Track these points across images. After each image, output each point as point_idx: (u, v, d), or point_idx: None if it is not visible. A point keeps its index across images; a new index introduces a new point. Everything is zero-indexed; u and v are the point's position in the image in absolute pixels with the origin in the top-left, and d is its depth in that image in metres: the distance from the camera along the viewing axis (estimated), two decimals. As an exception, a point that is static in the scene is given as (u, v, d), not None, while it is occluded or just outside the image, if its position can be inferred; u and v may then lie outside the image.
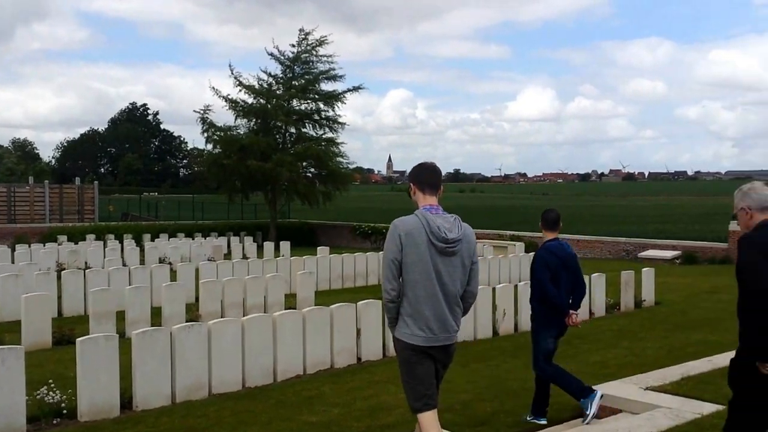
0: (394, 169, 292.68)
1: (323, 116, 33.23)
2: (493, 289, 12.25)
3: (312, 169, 33.63)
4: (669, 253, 24.12)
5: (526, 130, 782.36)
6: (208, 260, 22.31)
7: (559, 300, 6.52)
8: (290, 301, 14.69)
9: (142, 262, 21.30)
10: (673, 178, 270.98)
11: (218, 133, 32.22)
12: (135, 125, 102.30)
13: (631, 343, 11.17)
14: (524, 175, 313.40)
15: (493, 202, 74.68)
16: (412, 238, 4.39)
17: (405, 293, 4.45)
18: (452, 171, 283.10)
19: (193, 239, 28.29)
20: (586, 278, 13.80)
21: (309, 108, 33.16)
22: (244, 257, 23.61)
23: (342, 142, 33.43)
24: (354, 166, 34.77)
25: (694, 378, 7.28)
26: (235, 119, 33.01)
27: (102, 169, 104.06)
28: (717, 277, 19.58)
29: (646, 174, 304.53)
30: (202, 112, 32.42)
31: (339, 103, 32.87)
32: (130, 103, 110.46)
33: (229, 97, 32.39)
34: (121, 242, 26.08)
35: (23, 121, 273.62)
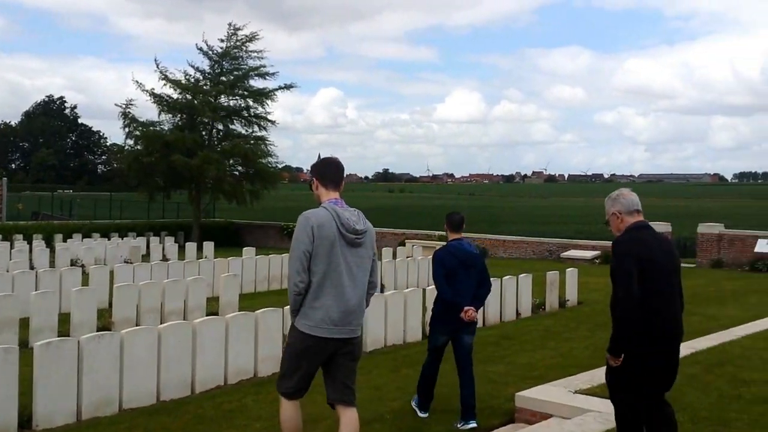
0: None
1: (252, 113, 32.54)
2: (423, 291, 12.01)
3: (239, 168, 32.85)
4: (589, 253, 24.51)
5: (454, 131, 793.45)
6: (125, 262, 21.40)
7: (449, 297, 6.65)
8: (212, 306, 14.14)
9: (53, 264, 20.28)
10: (590, 181, 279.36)
11: (140, 128, 31.08)
12: (51, 119, 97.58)
13: (557, 343, 11.13)
14: (452, 175, 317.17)
15: (422, 201, 74.97)
16: (323, 230, 4.43)
17: (312, 284, 4.46)
18: (381, 171, 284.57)
19: (109, 240, 27.19)
20: (513, 279, 13.87)
21: (237, 105, 32.43)
22: (164, 259, 22.78)
23: (271, 141, 32.86)
24: (283, 165, 34.16)
25: (624, 382, 7.15)
26: (159, 114, 32.01)
27: (13, 165, 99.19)
28: (637, 276, 19.89)
29: (566, 176, 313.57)
30: (123, 106, 31.29)
31: (269, 101, 32.29)
32: (47, 96, 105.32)
33: (153, 91, 31.37)
34: (30, 243, 24.68)
35: None
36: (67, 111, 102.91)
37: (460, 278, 6.69)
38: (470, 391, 6.70)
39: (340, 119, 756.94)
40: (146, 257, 23.80)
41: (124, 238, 28.36)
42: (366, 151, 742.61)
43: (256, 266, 17.95)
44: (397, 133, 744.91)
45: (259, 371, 8.98)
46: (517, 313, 13.71)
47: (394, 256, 22.10)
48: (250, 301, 15.60)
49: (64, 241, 26.92)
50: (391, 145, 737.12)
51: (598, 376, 7.35)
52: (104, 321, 12.42)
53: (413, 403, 7.00)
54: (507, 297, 13.46)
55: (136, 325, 12.31)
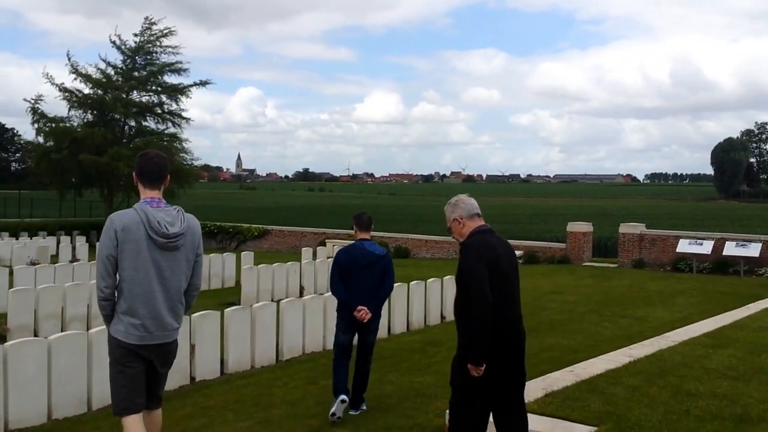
0: (244, 167, 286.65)
1: (166, 110, 31.39)
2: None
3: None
4: (514, 253, 24.35)
5: (374, 131, 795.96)
6: (31, 264, 20.14)
7: (339, 296, 6.85)
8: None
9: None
10: (507, 181, 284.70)
11: (49, 124, 29.47)
12: None
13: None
14: (372, 175, 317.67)
15: (343, 201, 74.31)
16: (129, 233, 4.20)
17: (121, 290, 4.27)
18: (302, 170, 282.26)
19: (16, 239, 25.63)
20: (437, 282, 13.48)
21: (151, 101, 31.18)
22: (74, 260, 21.52)
23: (186, 138, 31.74)
24: (199, 162, 32.97)
25: (558, 394, 6.78)
26: (69, 110, 30.49)
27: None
28: (558, 276, 19.87)
29: (484, 176, 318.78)
30: (33, 101, 29.59)
31: (183, 98, 31.28)
32: None
33: (63, 85, 29.79)
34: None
35: None
36: None
37: (356, 278, 6.79)
38: (362, 385, 6.98)
39: (260, 118, 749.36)
40: (56, 258, 22.43)
41: (33, 238, 26.84)
42: (286, 151, 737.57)
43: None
44: (317, 132, 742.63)
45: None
46: (442, 317, 13.33)
47: (315, 256, 21.46)
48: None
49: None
50: (312, 145, 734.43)
51: (533, 388, 6.97)
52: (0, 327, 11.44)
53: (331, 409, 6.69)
54: (431, 300, 13.05)
55: (34, 334, 11.41)
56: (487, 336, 4.24)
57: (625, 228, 22.71)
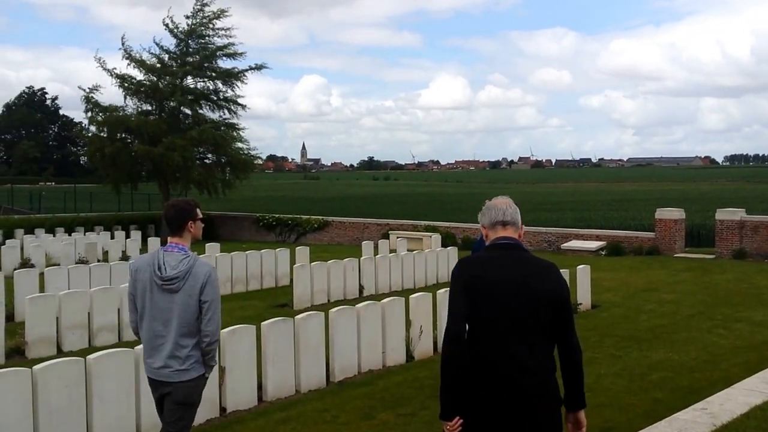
0: (309, 156, 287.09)
1: (222, 97, 30.04)
2: (407, 300, 9.67)
3: (209, 155, 30.36)
4: (593, 244, 22.19)
5: (439, 118, 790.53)
6: (80, 262, 19.09)
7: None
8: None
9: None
10: (578, 165, 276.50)
11: (102, 113, 28.50)
12: (32, 111, 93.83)
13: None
14: (437, 162, 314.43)
15: (408, 189, 72.50)
16: (140, 274, 4.58)
17: (140, 326, 4.65)
18: (366, 159, 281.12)
19: (69, 235, 24.77)
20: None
21: (206, 87, 29.91)
22: (124, 258, 20.39)
23: (243, 127, 30.41)
24: (256, 151, 31.53)
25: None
26: (125, 98, 29.45)
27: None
28: (650, 270, 17.68)
29: (554, 161, 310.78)
30: (87, 90, 28.63)
31: (239, 83, 29.85)
32: (27, 87, 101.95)
33: (115, 71, 28.77)
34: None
35: None
36: (48, 102, 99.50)
37: None
38: None
39: (324, 107, 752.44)
40: (107, 255, 21.32)
41: (89, 233, 25.99)
42: (351, 139, 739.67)
43: (216, 265, 15.55)
44: (381, 120, 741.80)
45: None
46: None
47: (376, 250, 19.69)
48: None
49: (29, 235, 24.65)
50: (376, 133, 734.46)
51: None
52: (16, 340, 10.12)
53: None
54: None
55: (57, 347, 10.09)
56: (452, 384, 3.31)
57: (723, 214, 20.23)
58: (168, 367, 4.50)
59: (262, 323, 7.92)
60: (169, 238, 4.65)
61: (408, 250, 19.07)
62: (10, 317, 11.49)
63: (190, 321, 4.51)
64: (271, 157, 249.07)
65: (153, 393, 4.67)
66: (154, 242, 22.35)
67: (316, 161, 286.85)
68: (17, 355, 10.04)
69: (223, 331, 7.53)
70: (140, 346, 6.16)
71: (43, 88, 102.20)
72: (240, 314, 12.62)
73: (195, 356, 4.54)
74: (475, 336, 3.31)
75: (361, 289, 15.03)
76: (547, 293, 3.32)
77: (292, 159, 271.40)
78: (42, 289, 12.75)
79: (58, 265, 17.51)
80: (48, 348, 10.13)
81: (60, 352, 10.17)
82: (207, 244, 19.65)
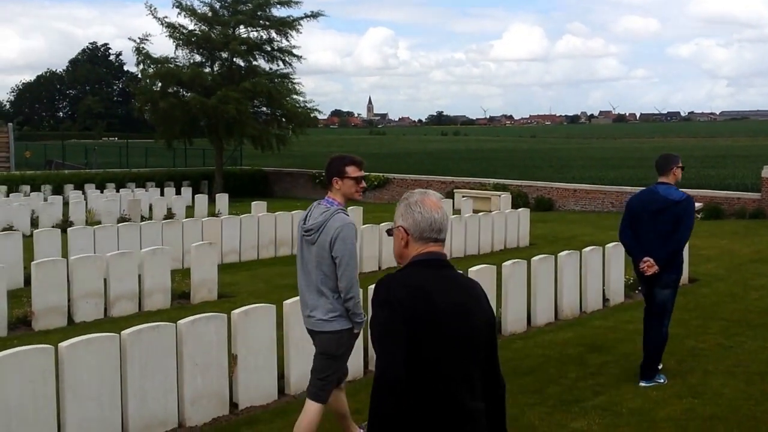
0: (375, 111, 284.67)
1: (276, 47, 28.43)
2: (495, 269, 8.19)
3: (264, 109, 28.92)
4: (685, 205, 19.83)
5: (513, 70, 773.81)
6: (122, 220, 18.03)
7: (625, 243, 6.60)
8: (181, 285, 10.46)
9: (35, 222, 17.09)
10: (665, 120, 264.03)
11: (154, 65, 27.32)
12: (96, 67, 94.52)
13: (680, 360, 7.05)
14: (510, 117, 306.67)
15: (477, 145, 70.06)
16: (300, 227, 4.77)
17: None
18: (435, 113, 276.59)
19: (117, 191, 23.84)
20: (597, 251, 9.78)
21: (259, 37, 28.32)
22: (169, 216, 19.23)
23: (299, 81, 28.76)
24: (313, 104, 29.78)
25: None
26: (176, 50, 28.16)
27: (60, 113, 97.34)
28: (757, 237, 15.43)
29: (638, 115, 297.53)
30: (138, 41, 27.41)
31: (294, 32, 28.09)
32: (90, 43, 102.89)
33: (166, 19, 27.41)
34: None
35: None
36: (112, 58, 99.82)
37: (644, 225, 6.39)
38: (655, 351, 6.48)
39: (391, 60, 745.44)
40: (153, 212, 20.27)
41: (140, 189, 25.04)
42: (419, 93, 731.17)
43: (259, 226, 14.14)
44: (452, 73, 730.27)
45: (189, 418, 5.23)
46: (605, 300, 9.64)
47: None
48: (237, 274, 12.00)
49: (78, 190, 23.75)
50: (446, 87, 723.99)
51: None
52: (24, 310, 8.91)
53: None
54: (589, 277, 9.37)
55: (68, 317, 8.85)
56: None
57: None
58: (312, 317, 4.63)
59: (285, 302, 6.40)
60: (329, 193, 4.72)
61: (474, 211, 17.31)
62: (28, 281, 10.30)
63: (328, 274, 4.55)
64: (336, 112, 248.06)
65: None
66: (201, 200, 21.15)
67: (383, 116, 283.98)
68: (23, 326, 8.85)
69: (234, 312, 6.09)
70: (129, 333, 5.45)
71: (106, 44, 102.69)
72: (278, 282, 11.21)
73: (337, 309, 4.57)
74: (411, 383, 2.64)
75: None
76: (485, 319, 2.83)
77: (358, 114, 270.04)
78: (65, 251, 11.58)
79: (100, 223, 16.51)
80: (58, 318, 8.93)
81: (72, 324, 9.04)
82: (253, 203, 18.29)
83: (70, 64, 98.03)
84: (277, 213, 14.95)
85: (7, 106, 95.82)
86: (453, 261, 13.00)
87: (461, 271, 2.98)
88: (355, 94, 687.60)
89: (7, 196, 22.17)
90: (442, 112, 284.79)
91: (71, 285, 9.15)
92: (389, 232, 2.93)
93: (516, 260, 8.65)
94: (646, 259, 6.28)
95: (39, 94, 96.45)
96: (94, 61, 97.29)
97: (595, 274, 9.48)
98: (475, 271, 7.96)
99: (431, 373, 2.66)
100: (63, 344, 5.01)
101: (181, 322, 5.71)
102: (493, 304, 8.10)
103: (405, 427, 2.63)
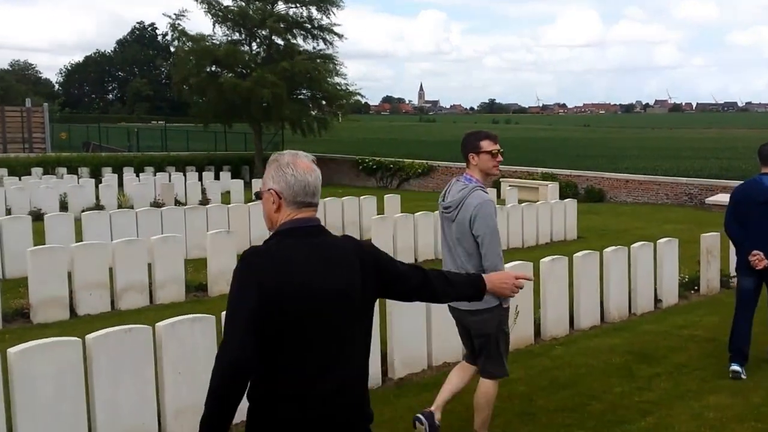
0: (426, 98, 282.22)
1: (316, 25, 27.53)
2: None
3: (304, 91, 28.10)
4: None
5: (566, 56, 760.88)
6: (155, 205, 17.57)
7: (732, 236, 6.42)
8: (199, 276, 9.80)
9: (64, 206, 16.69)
10: (722, 110, 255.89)
11: (189, 43, 26.69)
12: (143, 47, 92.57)
13: (748, 380, 6.11)
14: (563, 105, 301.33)
15: (528, 134, 68.42)
16: (439, 202, 4.75)
17: None
18: (487, 101, 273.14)
19: (155, 175, 23.44)
20: (647, 247, 8.82)
21: (299, 14, 27.45)
22: (204, 201, 18.71)
23: (341, 62, 27.83)
24: (354, 87, 28.77)
25: None
26: (213, 27, 27.49)
27: (110, 95, 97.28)
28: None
29: (694, 105, 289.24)
30: (173, 17, 26.79)
31: (334, 9, 27.16)
32: (138, 23, 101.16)
33: None
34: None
35: (37, 44, 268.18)
36: (160, 39, 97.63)
37: (752, 217, 6.14)
38: (740, 344, 6.23)
39: (444, 45, 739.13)
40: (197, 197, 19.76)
41: (179, 173, 24.64)
42: (472, 80, 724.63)
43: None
44: (505, 59, 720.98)
45: None
46: (656, 300, 8.67)
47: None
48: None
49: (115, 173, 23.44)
50: (500, 73, 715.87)
51: None
52: (16, 303, 8.35)
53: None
54: (640, 276, 8.41)
55: (70, 310, 8.25)
56: (220, 420, 2.40)
57: None
58: None
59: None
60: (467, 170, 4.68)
61: (519, 201, 16.34)
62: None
63: (470, 251, 4.51)
64: (387, 99, 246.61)
65: (456, 324, 4.83)
66: (237, 185, 20.56)
67: (435, 103, 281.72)
68: (21, 318, 8.28)
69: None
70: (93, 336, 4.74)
71: (153, 23, 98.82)
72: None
73: None
74: (278, 378, 2.43)
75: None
76: (362, 292, 2.55)
77: (409, 101, 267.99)
78: (79, 236, 11.03)
79: (132, 207, 16.02)
80: (59, 311, 8.33)
81: (75, 316, 8.45)
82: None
83: (118, 44, 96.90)
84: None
85: (56, 87, 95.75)
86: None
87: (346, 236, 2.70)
88: (406, 80, 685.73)
89: (41, 178, 21.94)
90: (495, 99, 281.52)
91: (73, 274, 8.55)
92: (258, 196, 2.66)
93: (555, 256, 7.74)
94: (755, 252, 6.07)
95: (87, 76, 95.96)
96: (142, 41, 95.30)
97: (646, 272, 8.53)
98: (508, 269, 7.08)
99: (291, 354, 2.43)
100: (12, 350, 4.29)
101: (159, 324, 4.96)
102: (530, 304, 7.28)
103: (268, 419, 2.47)
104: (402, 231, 11.65)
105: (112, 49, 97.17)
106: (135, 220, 11.80)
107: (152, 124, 57.08)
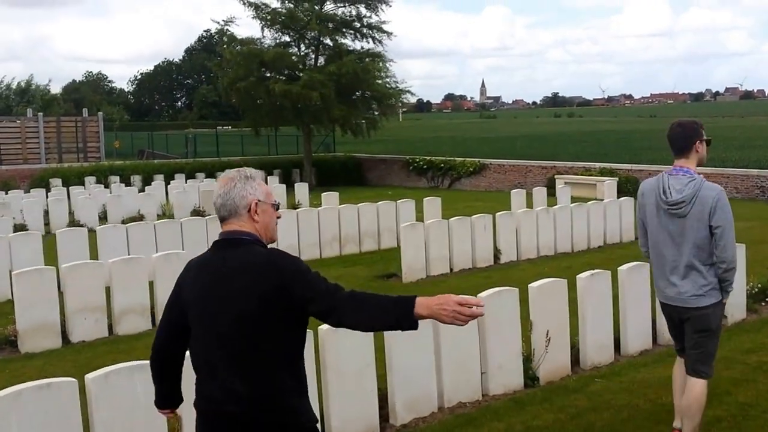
0: (488, 94, 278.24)
1: (365, 23, 26.70)
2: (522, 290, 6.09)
3: (358, 93, 27.20)
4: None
5: (633, 46, 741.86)
6: (196, 213, 17.05)
7: None
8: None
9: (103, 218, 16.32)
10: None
11: (237, 47, 26.23)
12: (210, 55, 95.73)
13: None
14: (630, 96, 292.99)
15: (591, 127, 66.12)
16: (645, 198, 4.62)
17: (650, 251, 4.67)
18: (550, 95, 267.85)
19: (202, 182, 22.97)
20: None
21: (347, 13, 26.69)
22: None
23: (390, 59, 26.89)
24: (404, 86, 27.77)
25: None
26: (262, 30, 27.01)
27: (179, 103, 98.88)
28: None
29: (766, 92, 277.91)
30: (222, 23, 26.53)
31: (383, 6, 26.25)
32: (205, 31, 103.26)
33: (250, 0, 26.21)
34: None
35: (113, 56, 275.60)
36: (225, 45, 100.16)
37: None
38: None
39: (508, 40, 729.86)
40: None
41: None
42: (535, 74, 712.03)
43: (320, 221, 12.58)
44: (570, 52, 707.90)
45: None
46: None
47: (530, 202, 15.67)
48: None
49: (168, 181, 23.03)
50: (564, 66, 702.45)
51: None
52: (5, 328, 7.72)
53: None
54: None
55: (62, 336, 7.59)
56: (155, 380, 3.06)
57: None
58: (682, 292, 4.47)
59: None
60: (674, 161, 4.53)
61: (573, 200, 15.15)
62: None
63: (702, 246, 4.40)
64: (449, 96, 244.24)
65: (668, 321, 4.75)
66: (280, 189, 19.87)
67: (497, 99, 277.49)
68: (9, 347, 7.63)
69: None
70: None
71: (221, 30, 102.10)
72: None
73: (710, 282, 4.43)
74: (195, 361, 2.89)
75: (497, 254, 11.45)
76: (235, 312, 2.70)
77: (471, 98, 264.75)
78: (93, 251, 10.40)
79: (172, 217, 15.46)
80: (49, 338, 7.65)
81: (68, 344, 7.79)
82: (323, 194, 16.76)
83: (186, 52, 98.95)
84: (341, 206, 13.37)
85: (129, 97, 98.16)
86: (541, 261, 11.06)
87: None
88: (469, 77, 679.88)
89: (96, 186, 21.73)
90: (558, 93, 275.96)
91: (65, 298, 7.87)
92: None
93: (595, 271, 6.65)
94: None
95: (157, 84, 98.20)
96: (209, 48, 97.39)
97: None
98: (536, 288, 6.06)
99: (191, 350, 2.89)
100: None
101: (89, 377, 4.13)
102: (566, 327, 6.25)
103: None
104: (435, 239, 10.67)
105: (181, 57, 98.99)
106: (153, 232, 11.11)
107: (214, 130, 57.48)
